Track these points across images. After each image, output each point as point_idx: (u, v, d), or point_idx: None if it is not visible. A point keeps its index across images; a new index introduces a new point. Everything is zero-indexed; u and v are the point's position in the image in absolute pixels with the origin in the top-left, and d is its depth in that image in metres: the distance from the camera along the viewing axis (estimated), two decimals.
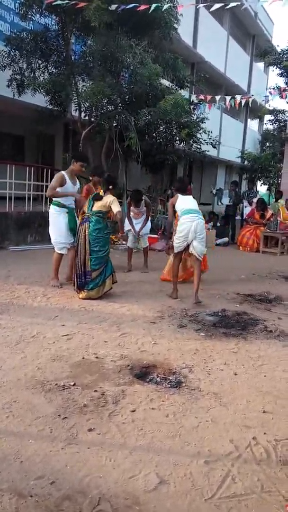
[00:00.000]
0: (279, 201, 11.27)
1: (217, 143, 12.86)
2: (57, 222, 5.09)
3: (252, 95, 12.74)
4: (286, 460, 2.06)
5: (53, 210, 5.12)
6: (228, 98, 10.19)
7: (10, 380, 2.70)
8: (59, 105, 9.21)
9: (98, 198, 4.79)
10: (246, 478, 1.92)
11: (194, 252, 4.85)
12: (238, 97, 10.13)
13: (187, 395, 2.66)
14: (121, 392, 2.62)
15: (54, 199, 5.09)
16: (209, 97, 10.46)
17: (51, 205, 5.17)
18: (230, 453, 2.10)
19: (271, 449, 2.15)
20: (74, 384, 2.68)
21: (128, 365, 3.03)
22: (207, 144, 12.00)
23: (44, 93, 8.57)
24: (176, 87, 10.48)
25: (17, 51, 8.34)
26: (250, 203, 11.24)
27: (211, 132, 11.94)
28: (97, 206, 4.73)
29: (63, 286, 5.13)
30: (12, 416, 2.30)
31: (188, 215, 4.84)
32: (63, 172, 5.16)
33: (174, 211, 5.08)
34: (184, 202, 4.99)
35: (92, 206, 4.74)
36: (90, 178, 5.89)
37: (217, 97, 10.59)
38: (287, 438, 2.25)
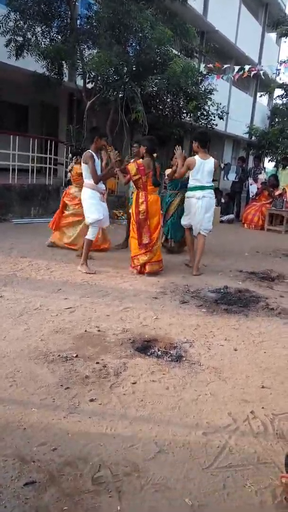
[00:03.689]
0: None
1: (225, 114, 12.49)
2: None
3: (263, 66, 12.33)
4: (283, 434, 2.11)
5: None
6: (237, 68, 9.88)
7: (13, 350, 2.75)
8: (57, 73, 8.88)
9: None
10: (243, 450, 1.97)
11: None
12: (247, 67, 9.81)
13: (187, 369, 2.70)
14: (123, 365, 2.67)
15: (190, 184, 5.12)
16: (218, 66, 10.12)
17: (188, 191, 5.18)
18: (228, 425, 2.15)
19: (268, 423, 2.19)
20: (76, 356, 2.72)
21: (130, 339, 3.07)
22: (214, 118, 11.70)
23: (42, 59, 8.23)
24: (185, 57, 10.13)
25: (18, 13, 8.00)
26: (256, 180, 11.04)
27: (220, 103, 11.61)
28: None
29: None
30: (15, 385, 2.35)
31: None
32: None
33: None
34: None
35: None
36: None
37: (226, 66, 10.24)
38: (285, 413, 2.30)
